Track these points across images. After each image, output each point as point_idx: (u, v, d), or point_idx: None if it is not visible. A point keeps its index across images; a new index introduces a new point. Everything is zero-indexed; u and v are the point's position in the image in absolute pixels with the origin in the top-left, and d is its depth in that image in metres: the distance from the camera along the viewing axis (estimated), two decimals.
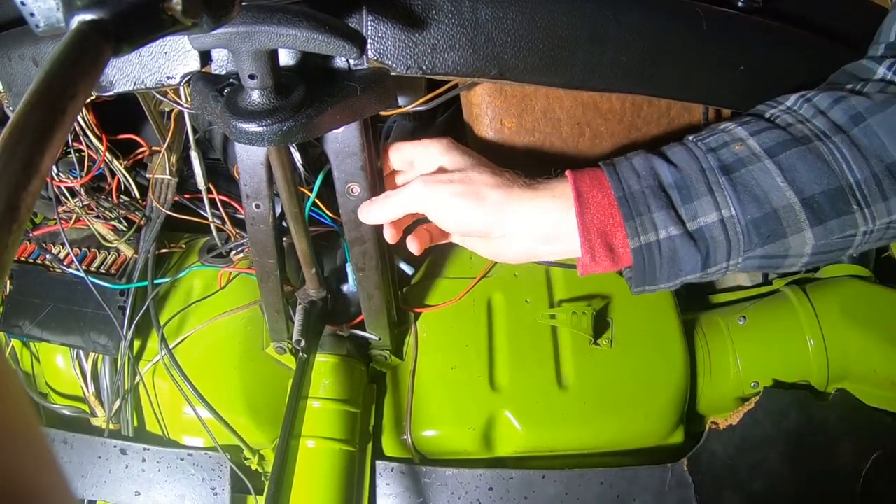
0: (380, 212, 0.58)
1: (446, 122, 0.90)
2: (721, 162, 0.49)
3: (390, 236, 0.61)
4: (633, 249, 0.50)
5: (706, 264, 0.50)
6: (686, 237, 0.49)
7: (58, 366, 0.83)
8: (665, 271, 0.50)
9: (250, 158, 0.58)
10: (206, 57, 0.57)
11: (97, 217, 0.81)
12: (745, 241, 0.48)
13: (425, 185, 0.55)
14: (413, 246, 0.62)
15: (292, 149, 0.68)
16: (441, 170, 0.57)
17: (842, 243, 0.48)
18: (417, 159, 0.60)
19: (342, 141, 0.57)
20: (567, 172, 0.54)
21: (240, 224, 0.80)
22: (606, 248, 0.51)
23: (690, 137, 0.54)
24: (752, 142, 0.49)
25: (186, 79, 0.57)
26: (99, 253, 0.81)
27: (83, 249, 0.81)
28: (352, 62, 0.55)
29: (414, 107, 0.63)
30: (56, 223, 0.80)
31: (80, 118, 0.73)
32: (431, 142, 0.58)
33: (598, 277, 0.82)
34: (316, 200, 0.68)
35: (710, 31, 0.61)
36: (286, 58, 0.54)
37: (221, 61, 0.57)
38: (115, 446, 0.76)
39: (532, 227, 0.53)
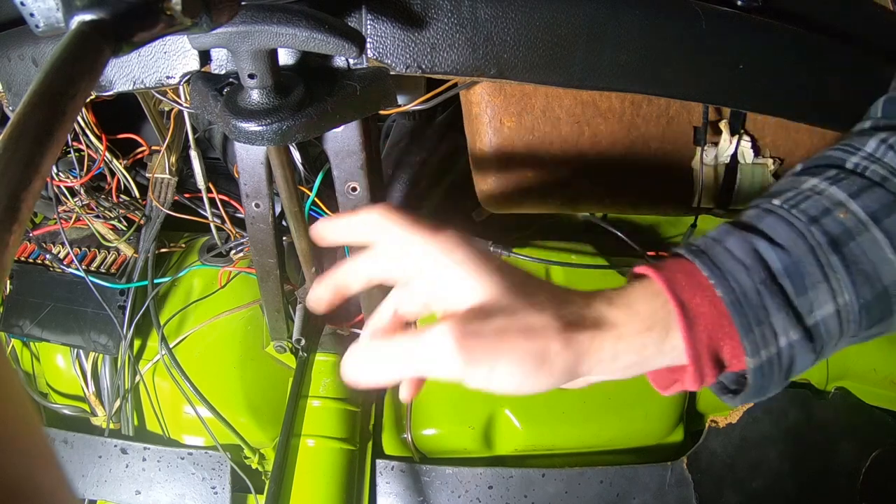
0: (370, 368, 0.39)
1: (446, 122, 0.90)
2: (829, 236, 0.41)
3: (406, 395, 0.47)
4: (753, 369, 0.40)
5: (815, 362, 0.43)
6: (805, 339, 0.40)
7: (58, 365, 0.83)
8: (778, 382, 0.42)
9: (250, 158, 0.58)
10: (205, 56, 0.57)
11: (97, 216, 0.81)
12: (854, 327, 0.42)
13: (458, 345, 0.36)
14: (408, 394, 0.47)
15: (292, 148, 0.68)
16: (461, 303, 0.39)
17: None
18: (410, 254, 0.41)
19: (342, 140, 0.57)
20: (652, 274, 0.41)
21: (239, 223, 0.80)
22: (715, 365, 0.41)
23: (775, 201, 0.44)
24: (855, 206, 0.42)
25: (186, 78, 0.57)
26: (99, 252, 0.81)
27: (83, 249, 0.81)
28: (351, 61, 0.55)
29: (413, 106, 0.63)
30: (56, 223, 0.81)
31: (79, 118, 0.73)
32: (436, 238, 0.40)
33: (598, 275, 0.82)
34: (316, 199, 0.68)
35: (710, 30, 0.61)
36: (286, 57, 0.54)
37: (221, 61, 0.57)
38: (115, 445, 0.76)
39: (619, 366, 0.41)
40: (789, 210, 0.43)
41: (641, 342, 0.40)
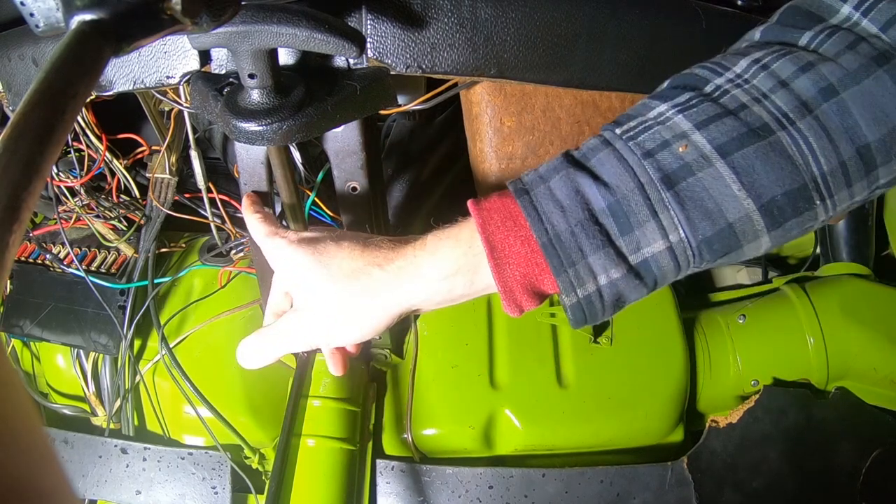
0: (254, 354, 0.52)
1: (446, 121, 0.90)
2: (663, 172, 0.39)
3: (337, 369, 0.58)
4: (569, 306, 0.42)
5: (651, 291, 0.43)
6: (630, 275, 0.41)
7: (58, 365, 0.83)
8: (608, 312, 0.43)
9: (250, 157, 0.58)
10: (205, 56, 0.57)
11: (97, 216, 0.81)
12: (696, 260, 0.41)
13: (299, 334, 0.49)
14: (335, 369, 0.58)
15: (292, 148, 0.68)
16: (298, 298, 0.50)
17: (797, 236, 0.42)
18: (268, 258, 0.52)
19: (342, 140, 0.57)
20: (471, 208, 0.43)
21: (240, 223, 0.80)
22: (535, 296, 0.43)
23: (616, 130, 0.42)
24: (699, 138, 0.39)
25: (186, 78, 0.57)
26: (99, 252, 0.81)
27: (83, 249, 0.81)
28: (351, 61, 0.55)
29: (413, 105, 0.63)
30: (56, 223, 0.81)
31: (79, 118, 0.73)
32: (275, 240, 0.51)
33: None
34: (316, 199, 0.68)
35: (710, 30, 0.61)
36: (286, 57, 0.54)
37: (221, 61, 0.57)
38: (115, 445, 0.76)
39: (434, 303, 0.46)
40: (626, 142, 0.41)
41: (447, 286, 0.44)
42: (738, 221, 0.39)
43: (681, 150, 0.39)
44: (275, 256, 0.50)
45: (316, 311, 0.47)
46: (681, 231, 0.39)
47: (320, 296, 0.47)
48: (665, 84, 0.45)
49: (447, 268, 0.44)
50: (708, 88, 0.42)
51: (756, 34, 0.46)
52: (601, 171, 0.41)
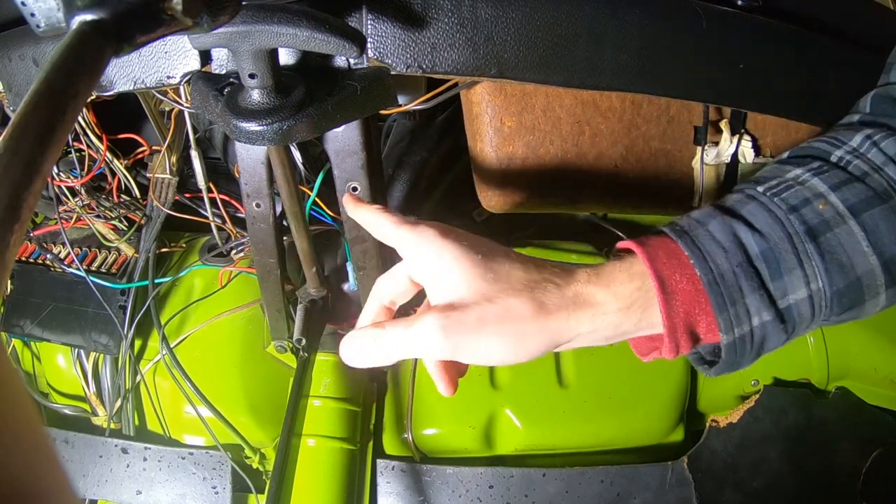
0: (368, 353, 0.44)
1: (446, 122, 0.90)
2: (807, 225, 0.43)
3: (446, 390, 0.48)
4: (726, 345, 0.43)
5: (787, 341, 0.45)
6: (777, 320, 0.43)
7: (59, 365, 0.83)
8: (750, 358, 0.45)
9: (251, 157, 0.58)
10: (206, 56, 0.57)
11: (98, 216, 0.81)
12: (826, 312, 0.44)
13: (444, 334, 0.40)
14: (446, 390, 0.48)
15: (292, 148, 0.68)
16: (448, 294, 0.42)
17: None
18: (400, 248, 0.46)
19: (342, 140, 0.57)
20: (635, 248, 0.44)
21: (240, 223, 0.80)
22: (691, 338, 0.43)
23: (759, 188, 0.46)
24: (835, 198, 0.44)
25: (186, 78, 0.57)
26: (100, 252, 0.82)
27: (84, 249, 0.81)
28: (352, 61, 0.55)
29: (414, 105, 0.63)
30: (57, 223, 0.81)
31: (80, 118, 0.73)
32: (420, 229, 0.44)
33: None
34: (316, 199, 0.68)
35: (710, 30, 0.61)
36: (286, 57, 0.54)
37: (221, 60, 0.57)
38: (116, 445, 0.76)
39: (597, 339, 0.44)
40: (771, 198, 0.45)
41: (618, 320, 0.43)
42: (865, 276, 0.43)
43: (821, 207, 0.44)
44: (422, 249, 0.44)
45: (470, 317, 0.40)
46: (820, 281, 0.43)
47: (482, 300, 0.41)
48: (786, 155, 0.50)
49: (623, 300, 0.42)
50: (833, 159, 0.47)
51: (854, 118, 0.52)
52: (754, 221, 0.44)
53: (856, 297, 0.44)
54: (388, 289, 0.49)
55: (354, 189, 0.60)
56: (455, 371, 0.49)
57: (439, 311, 0.41)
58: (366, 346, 0.44)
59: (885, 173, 0.45)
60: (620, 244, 0.46)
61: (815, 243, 0.43)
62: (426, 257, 0.44)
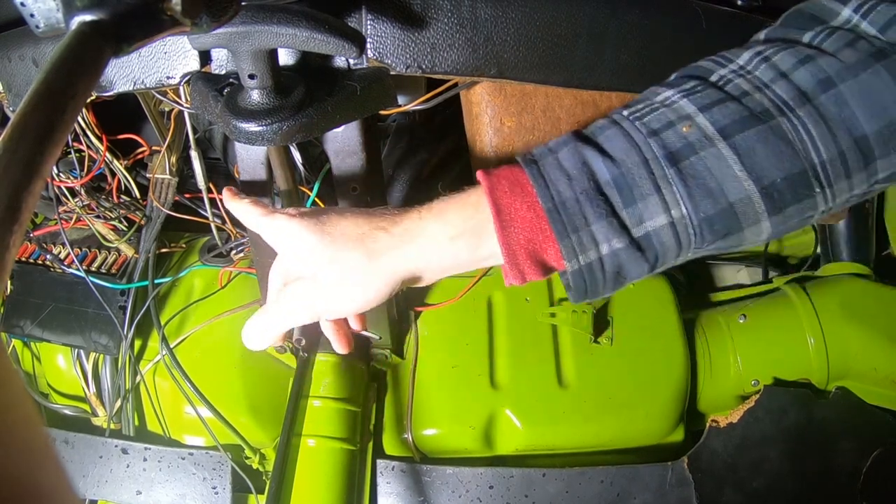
0: (266, 332, 0.50)
1: (446, 121, 0.90)
2: (667, 149, 0.41)
3: (341, 346, 0.56)
4: (571, 272, 0.43)
5: (653, 269, 0.44)
6: (632, 248, 0.42)
7: (59, 366, 0.83)
8: (609, 285, 0.44)
9: (250, 158, 0.58)
10: (205, 57, 0.57)
11: (97, 217, 0.81)
12: (697, 240, 0.42)
13: (300, 303, 0.48)
14: (340, 347, 0.56)
15: (292, 148, 0.68)
16: (303, 268, 0.48)
17: (798, 224, 0.43)
18: (265, 237, 0.50)
19: (342, 140, 0.57)
20: (480, 176, 0.44)
21: (240, 223, 0.80)
22: (538, 266, 0.44)
23: (624, 112, 0.44)
24: (703, 120, 0.41)
25: (186, 79, 0.57)
26: (99, 253, 0.82)
27: (84, 249, 0.81)
28: (351, 61, 0.55)
29: (413, 105, 0.63)
30: (57, 223, 0.81)
31: (80, 118, 0.73)
32: (273, 216, 0.48)
33: None
34: (316, 199, 0.68)
35: (710, 30, 0.61)
36: (286, 57, 0.54)
37: (221, 61, 0.57)
38: (116, 446, 0.76)
39: (439, 270, 0.46)
40: (633, 122, 0.43)
41: (453, 249, 0.44)
42: (739, 202, 0.40)
43: (684, 129, 0.41)
44: (276, 234, 0.48)
45: (318, 278, 0.46)
46: (683, 207, 0.41)
47: (323, 263, 0.45)
48: (672, 76, 0.47)
49: (453, 229, 0.44)
50: (713, 78, 0.44)
51: (761, 35, 0.48)
52: (608, 146, 0.42)
53: (730, 225, 0.41)
54: (274, 290, 0.54)
55: (354, 189, 0.60)
56: (344, 329, 0.55)
57: (293, 285, 0.48)
58: (255, 326, 0.50)
59: (770, 91, 0.42)
60: (479, 171, 0.45)
61: (675, 168, 0.41)
62: (284, 241, 0.48)
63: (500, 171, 0.44)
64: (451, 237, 0.44)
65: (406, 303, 0.81)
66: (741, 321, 0.83)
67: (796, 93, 0.41)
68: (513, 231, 0.42)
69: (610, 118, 0.45)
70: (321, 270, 0.46)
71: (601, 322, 0.78)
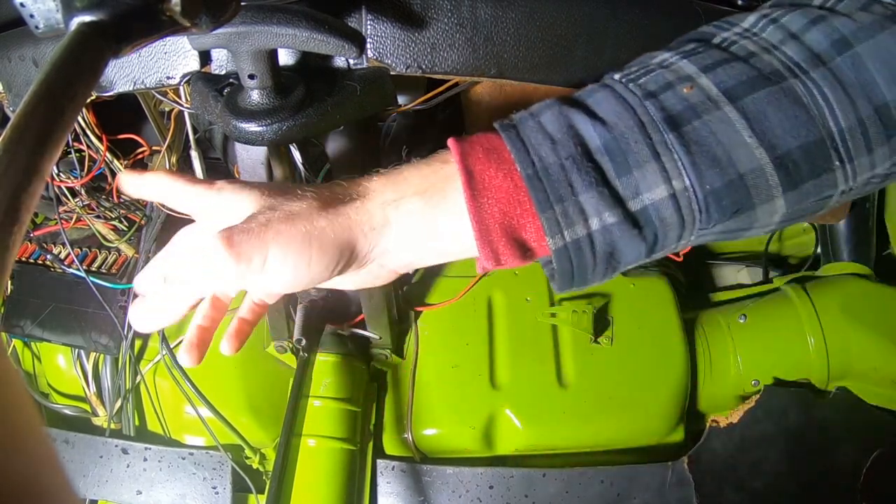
0: (161, 314, 0.41)
1: (446, 122, 0.90)
2: (666, 112, 0.35)
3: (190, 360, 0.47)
4: (555, 251, 0.36)
5: (651, 252, 0.38)
6: (627, 223, 0.35)
7: (59, 365, 0.83)
8: (600, 269, 0.38)
9: (250, 158, 0.58)
10: (205, 57, 0.57)
11: (98, 217, 0.81)
12: (703, 217, 0.36)
13: (226, 245, 0.35)
14: (228, 347, 0.47)
15: (292, 148, 0.68)
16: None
17: (815, 206, 0.38)
18: (202, 209, 0.41)
19: (342, 140, 0.57)
20: (450, 142, 0.38)
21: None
22: (514, 245, 0.37)
23: (616, 75, 0.39)
24: (706, 80, 0.36)
25: (186, 79, 0.57)
26: (100, 252, 0.82)
27: (84, 249, 0.81)
28: (351, 61, 0.55)
29: (413, 105, 0.63)
30: (57, 223, 0.81)
31: (80, 118, 0.73)
32: (218, 185, 0.40)
33: None
34: None
35: None
36: (286, 57, 0.54)
37: (221, 61, 0.57)
38: (116, 446, 0.76)
39: (402, 241, 0.38)
40: (626, 84, 0.37)
41: (410, 207, 0.37)
42: (750, 174, 0.35)
43: (685, 90, 0.36)
44: (214, 202, 0.39)
45: (253, 224, 0.37)
46: (685, 178, 0.35)
47: (267, 210, 0.37)
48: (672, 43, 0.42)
49: (407, 187, 0.37)
50: (715, 40, 0.39)
51: (766, 3, 0.43)
52: (598, 109, 0.37)
53: (740, 200, 0.36)
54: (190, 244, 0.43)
55: None
56: (247, 324, 0.48)
57: (224, 229, 0.36)
58: (156, 300, 0.41)
59: (779, 52, 0.37)
60: (450, 138, 0.39)
61: (676, 133, 0.35)
62: (227, 212, 0.39)
63: (475, 137, 0.38)
64: (412, 194, 0.37)
65: (406, 303, 0.81)
66: (741, 321, 0.83)
67: (809, 54, 0.36)
68: (485, 201, 0.36)
69: (601, 83, 0.39)
70: (260, 216, 0.37)
71: (601, 322, 0.78)
